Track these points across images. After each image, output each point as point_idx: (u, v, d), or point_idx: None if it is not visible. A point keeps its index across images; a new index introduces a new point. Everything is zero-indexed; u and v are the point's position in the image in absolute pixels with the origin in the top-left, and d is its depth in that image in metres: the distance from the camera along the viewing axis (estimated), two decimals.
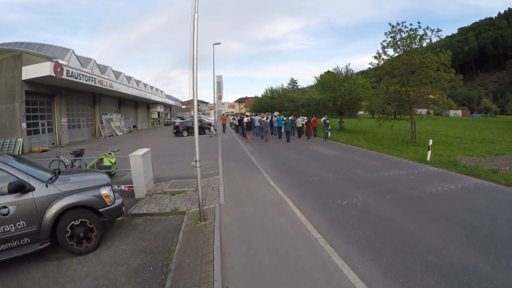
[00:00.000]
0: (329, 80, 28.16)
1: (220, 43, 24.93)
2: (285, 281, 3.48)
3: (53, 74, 17.53)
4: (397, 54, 17.81)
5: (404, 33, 17.04)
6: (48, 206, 4.20)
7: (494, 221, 5.16)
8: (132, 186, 7.32)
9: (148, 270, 3.98)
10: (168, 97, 61.02)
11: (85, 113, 27.72)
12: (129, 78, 40.56)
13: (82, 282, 3.76)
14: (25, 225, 4.03)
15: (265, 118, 23.17)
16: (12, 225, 3.96)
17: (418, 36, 16.72)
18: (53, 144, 21.30)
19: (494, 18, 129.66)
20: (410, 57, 16.58)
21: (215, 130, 25.52)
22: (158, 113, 51.91)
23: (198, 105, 5.86)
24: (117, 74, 36.32)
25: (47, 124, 21.47)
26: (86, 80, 21.70)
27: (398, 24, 17.18)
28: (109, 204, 4.77)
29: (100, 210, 4.64)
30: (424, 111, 22.37)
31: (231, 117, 40.79)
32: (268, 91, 66.18)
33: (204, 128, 25.55)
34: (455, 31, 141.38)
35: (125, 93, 31.58)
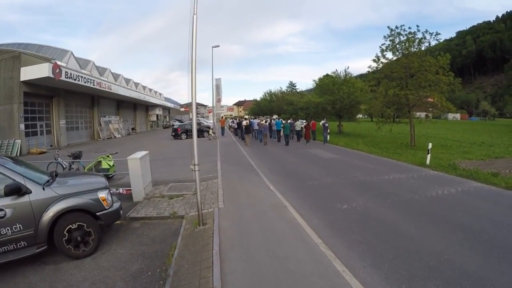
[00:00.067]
0: (328, 84, 28.18)
1: (219, 46, 24.89)
2: (286, 287, 3.43)
3: (52, 76, 17.50)
4: (396, 58, 17.82)
5: (403, 37, 17.05)
6: (45, 209, 4.14)
7: (495, 225, 5.14)
8: (130, 189, 7.25)
9: (146, 275, 3.92)
10: (167, 99, 61.09)
11: (84, 115, 27.66)
12: (128, 80, 40.57)
13: (79, 287, 3.71)
14: (21, 228, 3.97)
15: (264, 121, 23.14)
16: (9, 228, 3.90)
17: (417, 40, 16.74)
18: (51, 146, 21.23)
19: (492, 21, 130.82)
20: (409, 61, 16.57)
21: (214, 133, 25.46)
22: (157, 115, 51.92)
23: (197, 108, 5.81)
24: (116, 76, 36.32)
25: (45, 126, 21.42)
26: (85, 82, 21.67)
27: (397, 27, 17.20)
28: (106, 207, 4.71)
29: (97, 213, 4.58)
30: (423, 114, 22.38)
31: (230, 120, 40.75)
32: (267, 94, 66.19)
33: (202, 131, 25.51)
34: (453, 35, 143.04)
35: (124, 95, 31.56)
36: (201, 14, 5.39)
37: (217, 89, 27.01)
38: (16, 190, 3.97)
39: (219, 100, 28.17)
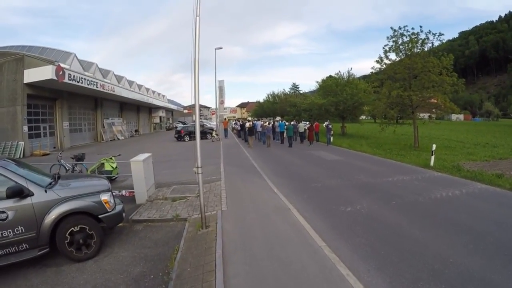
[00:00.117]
0: (331, 85, 28.17)
1: (222, 48, 24.99)
2: None
3: (55, 78, 17.62)
4: (399, 59, 17.74)
5: (406, 37, 17.01)
6: (47, 212, 4.13)
7: (500, 227, 5.08)
8: (133, 192, 7.25)
9: (149, 279, 3.89)
10: (170, 101, 61.29)
11: (87, 117, 27.79)
12: (131, 83, 40.76)
13: None
14: (23, 230, 3.97)
15: (267, 123, 23.12)
16: (10, 230, 3.89)
17: (420, 40, 16.68)
18: (54, 148, 21.32)
19: (494, 21, 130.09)
20: (412, 61, 16.51)
21: (217, 135, 25.47)
22: (160, 117, 52.02)
23: (200, 110, 5.79)
24: (119, 78, 36.50)
25: (48, 128, 21.52)
26: (88, 84, 21.78)
27: (400, 28, 17.17)
28: (109, 210, 4.69)
29: (100, 216, 4.57)
30: (426, 115, 22.26)
31: (233, 122, 40.76)
32: (270, 96, 66.17)
33: (205, 133, 25.51)
34: (456, 35, 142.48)
35: (127, 98, 31.67)
36: (203, 16, 5.40)
37: (220, 90, 27.08)
38: (18, 193, 3.96)
39: (222, 102, 28.25)
